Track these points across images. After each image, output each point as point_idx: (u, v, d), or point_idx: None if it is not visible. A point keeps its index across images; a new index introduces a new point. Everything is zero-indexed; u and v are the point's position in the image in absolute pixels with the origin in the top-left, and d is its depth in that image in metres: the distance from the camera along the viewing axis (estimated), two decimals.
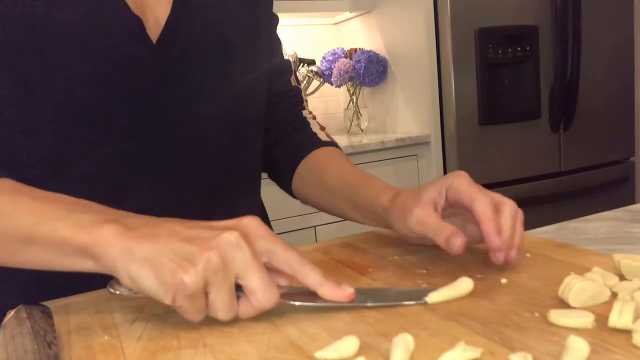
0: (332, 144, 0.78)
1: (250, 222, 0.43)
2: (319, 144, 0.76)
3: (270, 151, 0.79)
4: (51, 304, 0.50)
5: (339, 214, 0.70)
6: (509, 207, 0.51)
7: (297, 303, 0.44)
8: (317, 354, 0.36)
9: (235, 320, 0.43)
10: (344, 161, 0.73)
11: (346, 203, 0.67)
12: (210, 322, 0.44)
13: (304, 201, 0.78)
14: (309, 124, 0.79)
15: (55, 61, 0.55)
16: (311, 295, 0.44)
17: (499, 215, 0.50)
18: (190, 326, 0.44)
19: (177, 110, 0.62)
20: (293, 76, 0.82)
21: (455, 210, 0.55)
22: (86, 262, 0.44)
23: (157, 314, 0.47)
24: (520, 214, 0.52)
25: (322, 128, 0.81)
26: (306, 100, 0.85)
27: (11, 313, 0.44)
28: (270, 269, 0.44)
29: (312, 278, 0.44)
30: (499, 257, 0.50)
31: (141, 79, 0.60)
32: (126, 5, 0.58)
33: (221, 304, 0.41)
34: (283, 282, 0.45)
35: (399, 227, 0.56)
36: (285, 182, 0.78)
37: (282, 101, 0.79)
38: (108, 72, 0.57)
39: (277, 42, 0.80)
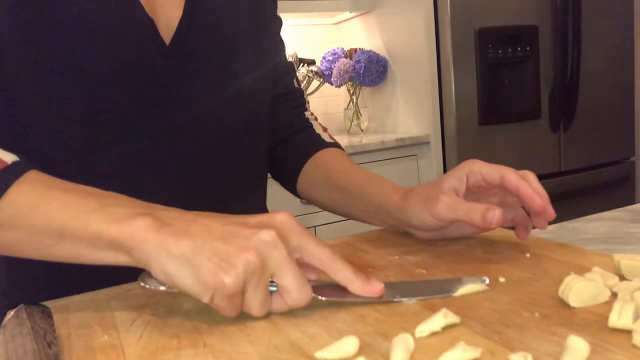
0: (336, 145, 0.79)
1: (284, 219, 0.44)
2: (324, 144, 0.77)
3: (274, 152, 0.80)
4: (51, 304, 0.50)
5: (346, 213, 0.70)
6: (533, 175, 0.54)
7: (324, 298, 0.44)
8: (317, 354, 0.36)
9: (235, 320, 0.43)
10: (349, 161, 0.74)
11: (354, 202, 0.67)
12: (211, 322, 0.44)
13: (310, 201, 0.78)
14: (311, 125, 0.80)
15: (71, 60, 0.56)
16: (339, 289, 0.45)
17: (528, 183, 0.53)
18: (190, 326, 0.44)
19: (189, 110, 0.63)
20: (296, 77, 0.83)
21: (475, 196, 0.57)
22: (119, 255, 0.43)
23: (157, 314, 0.47)
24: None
25: (325, 129, 0.81)
26: (308, 102, 0.85)
27: (11, 313, 0.44)
28: (301, 264, 0.44)
29: (342, 274, 0.44)
30: (541, 222, 0.53)
31: (154, 80, 0.60)
32: (141, 7, 0.59)
33: (257, 302, 0.42)
34: (313, 276, 0.46)
35: (418, 220, 0.57)
36: (289, 183, 0.79)
37: (284, 102, 0.79)
38: (123, 72, 0.58)
39: (280, 44, 0.80)
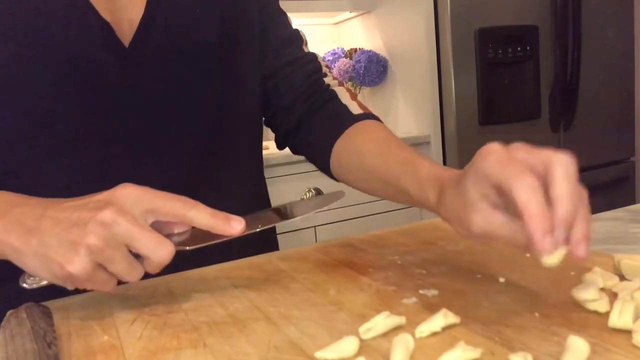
0: (367, 116, 0.69)
1: (124, 192, 0.45)
2: (353, 119, 0.68)
3: (300, 130, 0.72)
4: (51, 304, 0.50)
5: (392, 200, 0.62)
6: (560, 181, 0.36)
7: (189, 248, 0.46)
8: (317, 354, 0.36)
9: (235, 320, 0.43)
10: (383, 139, 0.63)
11: (395, 193, 0.58)
12: (211, 322, 0.44)
13: (350, 185, 0.69)
14: (336, 94, 0.71)
15: (21, 71, 0.55)
16: (203, 234, 0.46)
17: (551, 200, 0.36)
18: (190, 326, 0.44)
19: (154, 114, 0.62)
20: (306, 43, 0.75)
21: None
22: (5, 258, 0.47)
23: (157, 314, 0.47)
24: (579, 190, 0.38)
25: (354, 96, 0.72)
26: (327, 67, 0.76)
27: (11, 313, 0.44)
28: (164, 222, 0.46)
29: (199, 221, 0.46)
30: (551, 260, 0.36)
31: (111, 85, 0.59)
32: (94, 11, 0.57)
33: (121, 272, 0.44)
34: (178, 229, 0.48)
35: (461, 234, 0.44)
36: (322, 164, 0.70)
37: (295, 69, 0.71)
38: (74, 81, 0.57)
39: (279, 14, 0.74)
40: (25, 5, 0.55)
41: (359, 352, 0.36)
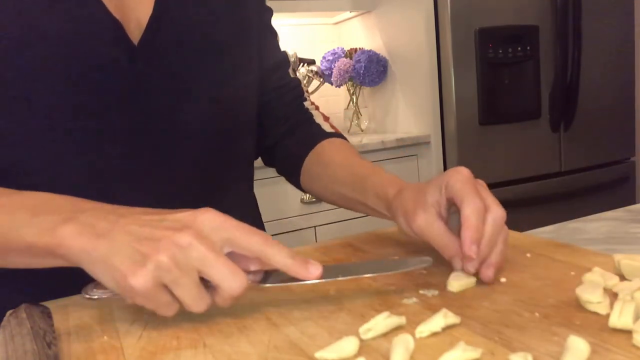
0: (337, 135, 0.77)
1: (205, 217, 0.43)
2: (324, 135, 0.75)
3: (276, 147, 0.78)
4: (51, 304, 0.50)
5: (348, 206, 0.69)
6: (494, 218, 0.48)
7: (267, 285, 0.45)
8: (317, 354, 0.36)
9: (235, 321, 0.43)
10: (349, 152, 0.72)
11: (353, 196, 0.65)
12: (210, 322, 0.44)
13: (314, 196, 0.77)
14: (312, 116, 0.78)
15: (32, 68, 0.55)
16: (284, 274, 0.44)
17: (484, 224, 0.47)
18: (190, 326, 0.44)
19: (162, 113, 0.62)
20: (291, 67, 0.81)
21: (455, 208, 0.54)
22: (59, 261, 0.45)
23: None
24: (505, 231, 0.49)
25: (326, 119, 0.80)
26: (307, 92, 0.83)
27: (11, 313, 0.44)
28: (242, 255, 0.44)
29: (276, 260, 0.44)
30: (469, 267, 0.47)
31: (121, 83, 0.59)
32: (104, 8, 0.57)
33: (187, 298, 0.42)
34: (254, 266, 0.45)
35: (402, 227, 0.55)
36: (293, 177, 0.77)
37: (282, 95, 0.78)
38: (85, 78, 0.57)
39: (271, 35, 0.78)
40: (38, 3, 0.55)
41: (359, 352, 0.36)
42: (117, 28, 0.58)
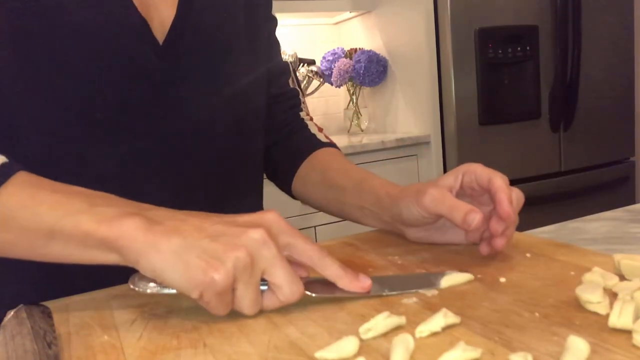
0: (332, 145, 0.78)
1: (273, 218, 0.44)
2: (319, 144, 0.77)
3: (270, 152, 0.80)
4: (51, 304, 0.50)
5: (341, 212, 0.70)
6: (517, 197, 0.54)
7: (315, 294, 0.45)
8: (317, 354, 0.36)
9: (235, 320, 0.43)
10: (345, 161, 0.74)
11: (350, 200, 0.67)
12: (211, 322, 0.44)
13: (305, 201, 0.78)
14: (307, 125, 0.80)
15: (64, 60, 0.56)
16: (329, 285, 0.46)
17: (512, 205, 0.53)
18: (190, 326, 0.44)
19: (184, 110, 0.63)
20: (292, 77, 0.83)
21: (468, 200, 0.56)
22: (109, 255, 0.44)
23: (157, 314, 0.47)
24: (521, 202, 0.55)
25: (320, 129, 0.81)
26: (304, 102, 0.86)
27: (11, 313, 0.44)
28: (291, 261, 0.44)
29: (331, 270, 0.45)
30: (498, 227, 0.51)
31: (148, 79, 0.60)
32: (133, 6, 0.59)
33: (248, 300, 0.42)
34: (303, 273, 0.46)
35: (408, 211, 0.57)
36: (285, 183, 0.79)
37: (280, 103, 0.80)
38: (115, 72, 0.58)
39: (275, 44, 0.80)
40: None
41: (359, 352, 0.36)
42: (143, 25, 0.59)
